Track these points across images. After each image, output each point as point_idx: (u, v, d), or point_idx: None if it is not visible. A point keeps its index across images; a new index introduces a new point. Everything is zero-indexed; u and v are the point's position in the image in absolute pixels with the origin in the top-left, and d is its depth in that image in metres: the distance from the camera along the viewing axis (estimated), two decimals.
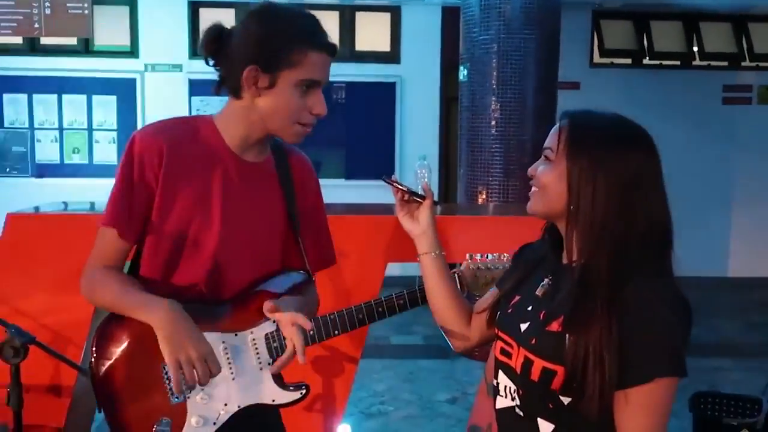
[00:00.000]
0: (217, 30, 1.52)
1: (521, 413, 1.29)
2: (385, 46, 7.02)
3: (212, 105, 6.91)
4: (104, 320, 1.54)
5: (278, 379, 1.57)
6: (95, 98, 6.88)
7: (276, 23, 1.49)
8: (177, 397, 1.50)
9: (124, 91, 6.89)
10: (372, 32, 6.95)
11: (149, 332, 1.45)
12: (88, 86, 6.86)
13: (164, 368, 1.50)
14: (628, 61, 7.27)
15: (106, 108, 6.90)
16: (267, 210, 1.60)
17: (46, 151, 6.92)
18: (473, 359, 4.93)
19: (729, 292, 7.09)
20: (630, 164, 1.21)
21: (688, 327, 1.19)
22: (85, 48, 6.90)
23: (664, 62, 7.28)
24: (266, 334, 1.56)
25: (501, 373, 1.35)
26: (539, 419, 1.26)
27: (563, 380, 1.20)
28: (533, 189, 1.32)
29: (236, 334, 1.55)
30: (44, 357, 2.08)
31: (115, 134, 6.93)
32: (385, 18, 7.01)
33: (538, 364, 1.23)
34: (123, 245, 1.54)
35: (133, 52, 6.93)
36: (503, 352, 1.34)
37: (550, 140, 1.29)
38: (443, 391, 4.38)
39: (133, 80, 6.88)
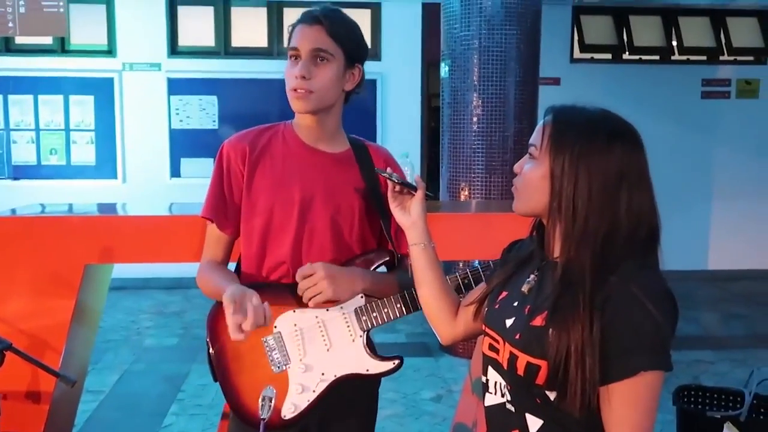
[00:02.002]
0: None
1: (512, 408, 1.29)
2: None
3: (191, 104, 6.86)
4: (214, 305, 1.75)
5: (371, 350, 1.72)
6: (72, 98, 6.79)
7: None
8: (278, 367, 1.68)
9: (102, 91, 6.81)
10: None
11: None
12: (65, 86, 6.77)
13: (264, 342, 1.69)
14: (608, 56, 7.31)
15: (83, 108, 6.82)
16: (345, 195, 1.75)
17: (23, 153, 6.83)
18: (457, 356, 4.94)
19: (709, 284, 7.16)
20: (613, 160, 1.20)
21: (674, 321, 1.19)
22: (61, 47, 6.81)
23: (644, 57, 7.32)
24: (355, 309, 1.71)
25: (490, 369, 1.34)
26: (527, 414, 1.26)
27: (547, 375, 1.19)
28: (515, 186, 1.32)
29: (327, 310, 1.70)
30: (21, 363, 2.04)
31: (92, 135, 6.85)
32: (365, 15, 6.98)
33: (523, 359, 1.23)
34: (222, 237, 1.78)
35: (110, 51, 6.85)
36: (491, 347, 1.34)
37: (535, 137, 1.28)
38: (428, 389, 4.37)
39: (111, 80, 6.80)
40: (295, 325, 1.70)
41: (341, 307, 1.71)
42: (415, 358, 4.84)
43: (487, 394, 1.35)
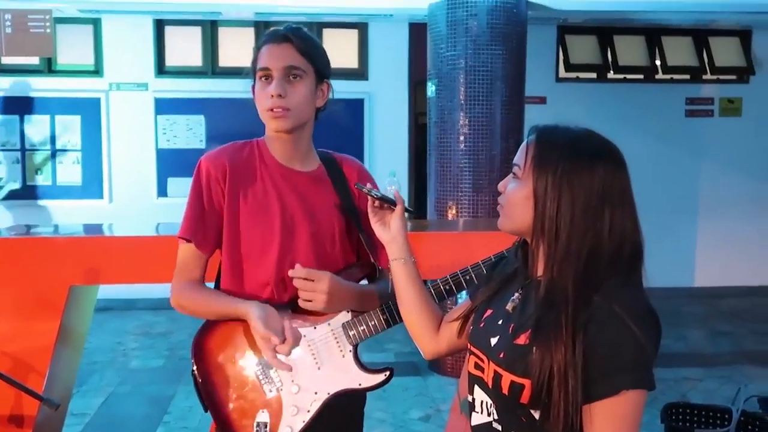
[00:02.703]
0: None
1: (499, 427, 1.28)
2: (352, 62, 7.03)
3: (179, 124, 6.85)
4: (198, 332, 1.73)
5: (361, 365, 1.72)
6: (58, 118, 6.77)
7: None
8: (270, 390, 1.66)
9: (89, 111, 6.78)
10: (340, 49, 6.95)
11: (238, 337, 1.68)
12: (52, 106, 6.75)
13: (255, 366, 1.67)
14: (593, 75, 7.37)
15: (70, 128, 6.79)
16: (324, 213, 1.76)
17: (8, 173, 6.77)
18: (446, 375, 4.92)
19: (696, 302, 7.19)
20: (595, 179, 1.21)
21: (656, 340, 1.19)
22: (48, 67, 6.79)
23: (628, 76, 7.39)
24: (343, 324, 1.71)
25: (477, 388, 1.34)
26: None
27: (531, 394, 1.19)
28: (500, 205, 1.32)
29: (315, 327, 1.70)
30: (4, 386, 2.02)
31: (79, 155, 6.82)
32: (353, 35, 7.02)
33: (507, 378, 1.22)
34: (200, 256, 1.73)
35: (97, 71, 6.84)
36: (477, 366, 1.34)
37: (518, 157, 1.29)
38: (416, 409, 4.35)
39: (98, 100, 6.79)
40: None
41: (329, 324, 1.71)
42: (404, 378, 4.82)
43: (473, 413, 1.35)
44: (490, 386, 1.27)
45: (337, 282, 1.67)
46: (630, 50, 7.31)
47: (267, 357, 1.61)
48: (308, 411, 1.67)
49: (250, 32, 6.85)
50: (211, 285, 1.80)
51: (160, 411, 4.29)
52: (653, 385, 1.15)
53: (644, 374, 1.15)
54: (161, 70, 6.88)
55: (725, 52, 7.42)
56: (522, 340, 1.23)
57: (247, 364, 1.69)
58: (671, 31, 7.28)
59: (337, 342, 1.71)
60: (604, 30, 7.23)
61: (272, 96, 1.67)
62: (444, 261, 2.59)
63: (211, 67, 6.91)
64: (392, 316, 1.70)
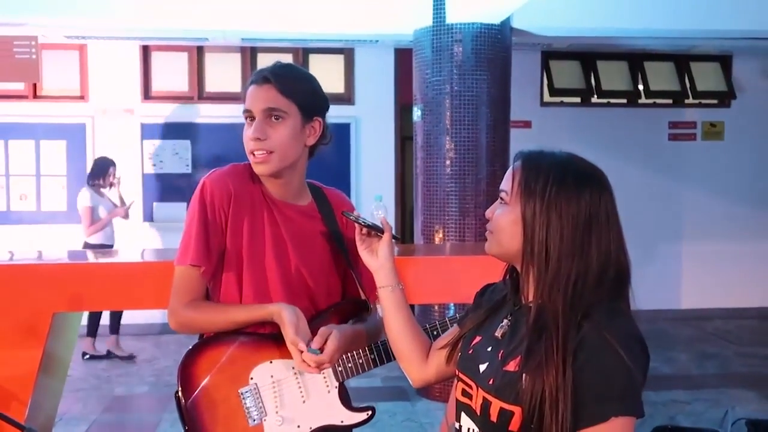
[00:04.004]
0: None
1: None
2: (339, 87, 7.06)
3: (165, 149, 6.84)
4: (186, 354, 1.70)
5: (345, 402, 1.73)
6: (43, 143, 6.73)
7: None
8: (254, 420, 1.66)
9: (74, 136, 6.76)
10: (326, 74, 6.99)
11: (226, 362, 1.67)
12: (36, 132, 6.72)
13: (240, 394, 1.66)
14: (577, 99, 7.46)
15: (55, 153, 6.75)
16: (315, 248, 1.76)
17: None
18: (434, 399, 4.89)
19: (683, 324, 7.21)
20: (582, 204, 1.22)
21: (645, 366, 1.19)
22: (33, 93, 6.77)
23: (612, 100, 7.48)
24: None
25: (463, 415, 1.33)
26: None
27: (521, 421, 1.18)
28: (489, 231, 1.33)
29: None
30: None
31: (64, 180, 6.78)
32: (339, 60, 7.07)
33: (496, 405, 1.22)
34: (203, 282, 1.71)
35: (83, 96, 6.83)
36: (464, 393, 1.33)
37: (505, 183, 1.30)
38: None
39: (83, 125, 6.77)
40: (272, 376, 1.69)
41: None
42: (391, 403, 4.79)
43: None
44: (479, 413, 1.27)
45: (342, 337, 1.64)
46: (613, 75, 7.41)
47: (296, 362, 1.61)
48: None
49: (236, 58, 6.88)
50: None
51: None
52: (642, 412, 1.16)
53: (634, 401, 1.15)
54: (147, 95, 6.88)
55: (706, 77, 7.53)
56: (512, 366, 1.23)
57: (232, 390, 1.67)
58: (653, 57, 7.38)
59: (324, 377, 1.71)
60: (588, 55, 7.33)
61: (251, 139, 1.66)
62: (432, 286, 2.59)
63: (198, 93, 6.92)
64: (380, 356, 1.71)
